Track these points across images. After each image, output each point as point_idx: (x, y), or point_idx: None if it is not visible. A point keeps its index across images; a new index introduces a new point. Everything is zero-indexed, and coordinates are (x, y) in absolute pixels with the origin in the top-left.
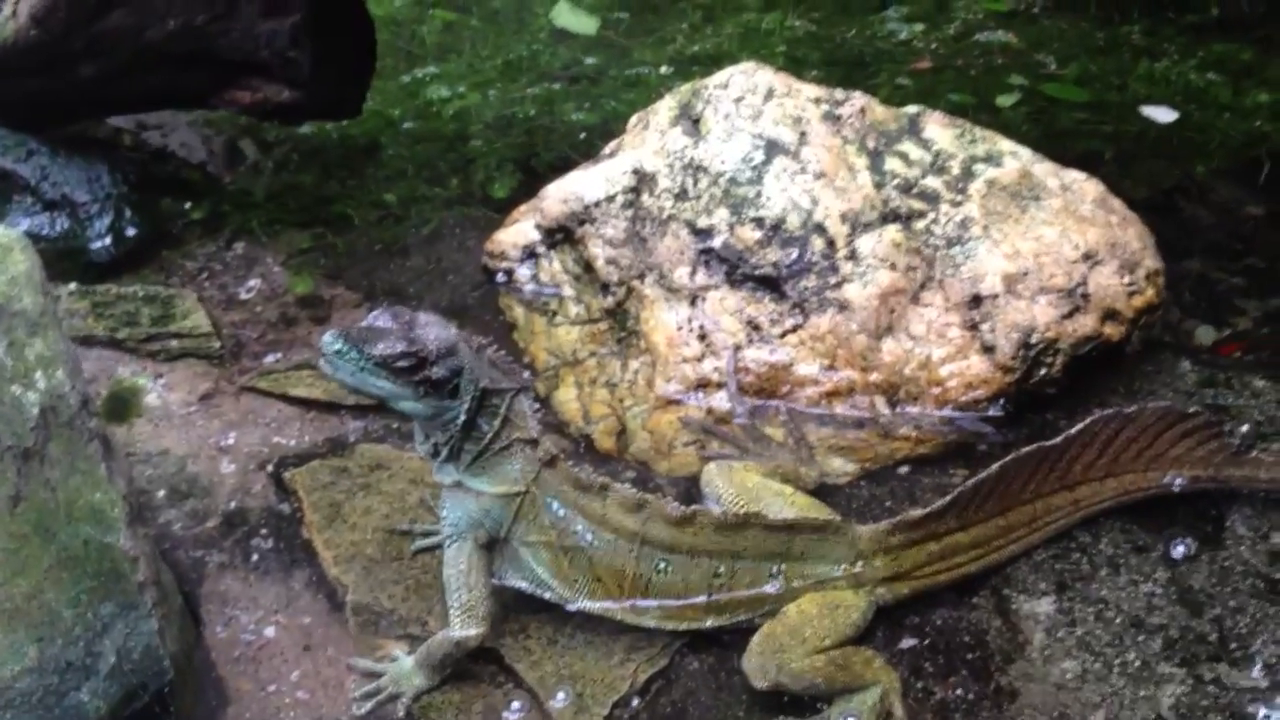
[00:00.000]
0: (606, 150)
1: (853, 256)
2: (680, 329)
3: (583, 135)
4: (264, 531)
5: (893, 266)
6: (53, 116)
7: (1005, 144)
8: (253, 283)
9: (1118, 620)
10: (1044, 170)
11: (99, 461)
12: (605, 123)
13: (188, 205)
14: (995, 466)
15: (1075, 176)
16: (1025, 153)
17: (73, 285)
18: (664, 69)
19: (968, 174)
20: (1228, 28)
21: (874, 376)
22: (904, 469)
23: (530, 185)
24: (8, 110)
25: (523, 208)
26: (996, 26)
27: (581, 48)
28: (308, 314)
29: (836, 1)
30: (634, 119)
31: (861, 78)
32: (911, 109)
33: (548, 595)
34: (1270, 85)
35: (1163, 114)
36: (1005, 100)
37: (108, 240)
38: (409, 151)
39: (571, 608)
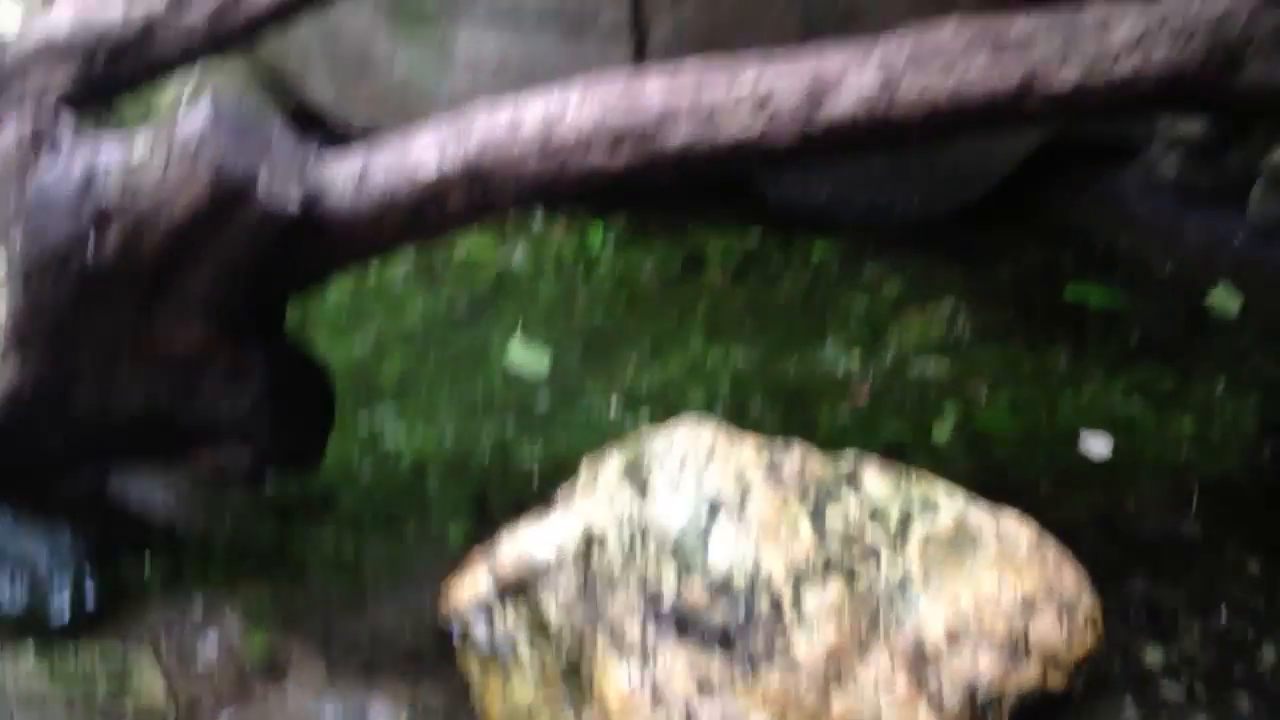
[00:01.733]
0: (558, 498)
1: (798, 613)
2: (633, 688)
3: (536, 478)
4: None
5: (838, 622)
6: (15, 485)
7: (941, 489)
8: (211, 639)
9: None
10: (978, 517)
11: None
12: (557, 465)
13: (147, 564)
14: None
15: (1009, 522)
16: (960, 497)
17: (30, 653)
18: (614, 404)
19: (905, 524)
20: (1149, 353)
21: None
22: None
23: (486, 530)
24: None
25: (477, 559)
26: (929, 354)
27: (534, 387)
28: (264, 673)
29: (776, 338)
30: (583, 470)
31: (802, 412)
32: (849, 456)
33: None
34: (1193, 410)
35: (1098, 445)
36: (941, 434)
37: (66, 605)
38: (366, 500)
39: None
